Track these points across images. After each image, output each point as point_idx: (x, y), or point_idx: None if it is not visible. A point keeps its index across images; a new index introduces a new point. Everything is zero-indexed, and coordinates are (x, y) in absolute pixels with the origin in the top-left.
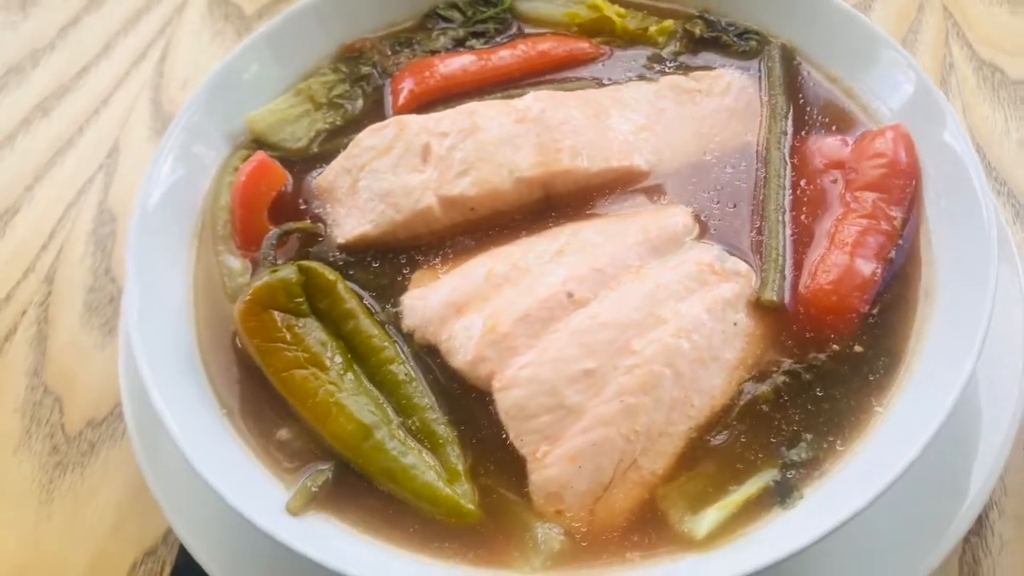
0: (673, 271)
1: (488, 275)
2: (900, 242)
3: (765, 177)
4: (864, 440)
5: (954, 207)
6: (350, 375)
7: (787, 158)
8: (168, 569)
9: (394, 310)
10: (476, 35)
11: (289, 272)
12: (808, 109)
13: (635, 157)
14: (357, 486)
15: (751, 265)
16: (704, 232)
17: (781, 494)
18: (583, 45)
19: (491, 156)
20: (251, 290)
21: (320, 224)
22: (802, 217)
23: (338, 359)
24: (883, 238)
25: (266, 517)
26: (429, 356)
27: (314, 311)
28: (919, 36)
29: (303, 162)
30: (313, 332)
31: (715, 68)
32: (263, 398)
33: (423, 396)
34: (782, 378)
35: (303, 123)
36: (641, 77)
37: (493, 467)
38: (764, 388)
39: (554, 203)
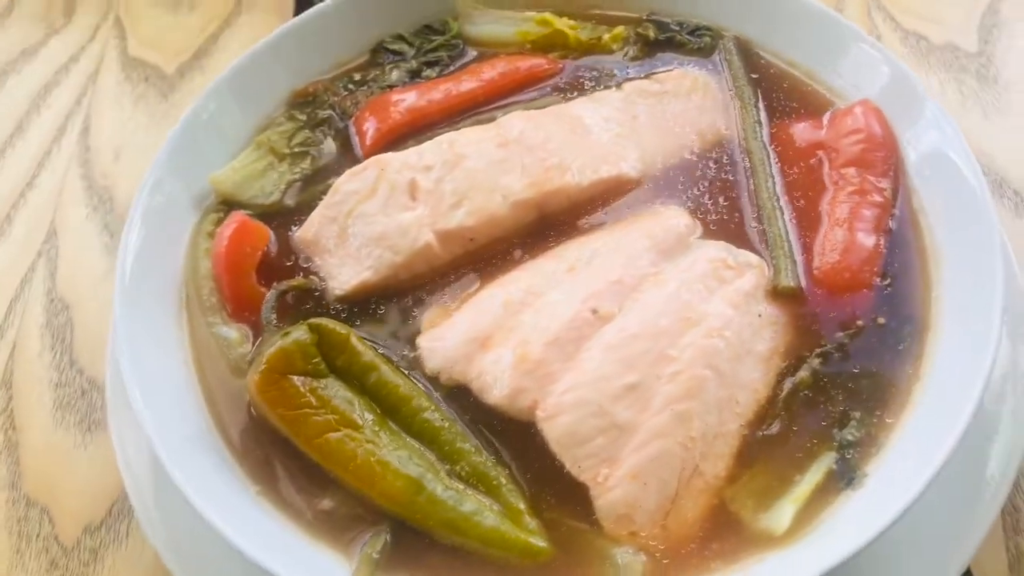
0: (688, 272)
1: (505, 304)
2: (894, 211)
3: (751, 167)
4: (911, 409)
5: (940, 173)
6: (385, 430)
7: (767, 145)
8: None
9: (412, 355)
10: (429, 64)
11: (301, 333)
12: (775, 96)
13: (622, 165)
14: (418, 544)
15: (760, 255)
16: (705, 229)
17: (845, 476)
18: (540, 62)
19: (481, 184)
20: (265, 358)
21: (313, 278)
22: (795, 201)
23: (369, 416)
24: (878, 210)
25: None
26: (461, 397)
27: (332, 370)
28: (844, 12)
29: (279, 216)
30: (337, 392)
31: (674, 68)
32: (296, 469)
33: (465, 439)
34: (817, 361)
35: (271, 177)
36: (605, 86)
37: (554, 499)
38: (803, 374)
39: (549, 222)
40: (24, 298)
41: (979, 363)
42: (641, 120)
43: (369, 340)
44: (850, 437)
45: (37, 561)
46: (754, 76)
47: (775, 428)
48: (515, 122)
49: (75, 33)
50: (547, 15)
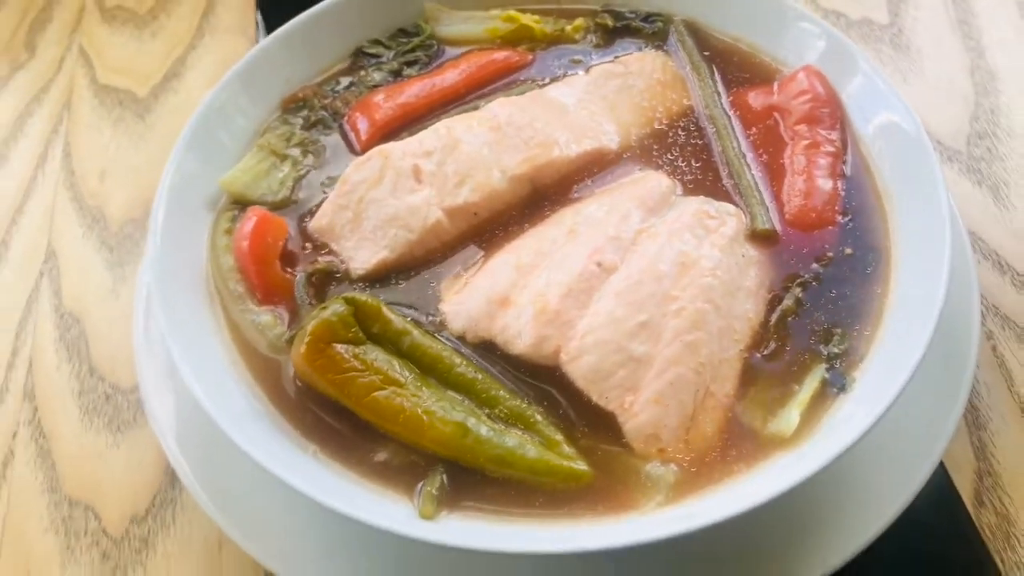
0: (676, 224)
1: (516, 267)
2: (846, 158)
3: (716, 131)
4: (884, 321)
5: (880, 119)
6: (425, 385)
7: (727, 111)
8: None
9: (438, 319)
10: (409, 64)
11: (339, 306)
12: (727, 68)
13: (602, 138)
14: (472, 480)
15: (736, 205)
16: (683, 188)
17: (837, 382)
18: (512, 54)
19: (480, 163)
20: (309, 331)
21: (334, 261)
22: (759, 157)
23: (408, 374)
24: (831, 158)
25: (409, 527)
26: (488, 351)
27: (369, 337)
28: None
29: (289, 210)
30: (377, 356)
31: (633, 51)
32: (347, 429)
33: (498, 387)
34: (798, 291)
35: (276, 176)
36: (573, 72)
37: (587, 429)
38: (787, 302)
39: (542, 194)
40: (33, 316)
41: (936, 276)
42: (611, 98)
43: (397, 309)
44: (836, 350)
45: (88, 554)
46: (706, 53)
47: (770, 350)
48: (501, 107)
49: (40, 65)
50: (511, 12)
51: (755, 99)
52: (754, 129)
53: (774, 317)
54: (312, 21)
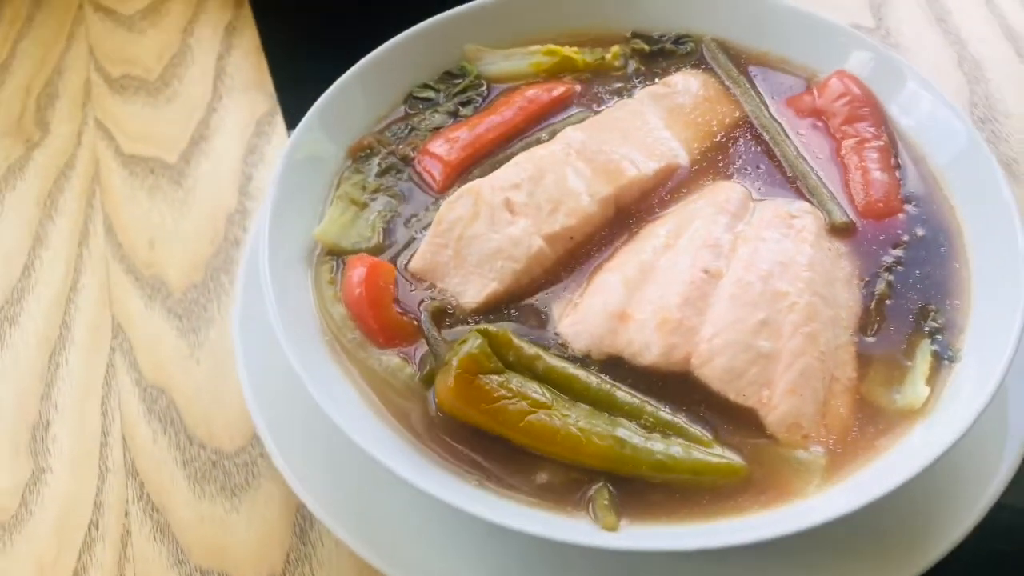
0: (765, 226)
1: (624, 283)
2: (895, 150)
3: (771, 138)
4: (971, 291)
5: (923, 114)
6: (569, 405)
7: (776, 119)
8: None
9: (559, 341)
10: (463, 104)
11: (476, 339)
12: (763, 80)
13: (670, 154)
14: (635, 488)
15: (810, 203)
16: (755, 192)
17: (946, 354)
18: (561, 85)
19: (569, 189)
20: (456, 365)
21: (446, 298)
22: (814, 158)
23: (550, 395)
24: (881, 152)
25: (602, 540)
26: (615, 366)
27: (506, 366)
28: None
29: (386, 255)
30: (520, 382)
31: (673, 72)
32: (501, 456)
33: (635, 398)
34: (887, 275)
35: (362, 223)
36: (621, 96)
37: (731, 427)
38: (880, 287)
39: (626, 213)
40: (115, 393)
41: (1009, 229)
42: (666, 117)
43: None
44: (935, 324)
45: None
46: (741, 67)
47: (876, 333)
48: (572, 136)
49: (58, 142)
50: (551, 46)
51: (797, 105)
52: (802, 132)
53: (872, 302)
54: (366, 70)
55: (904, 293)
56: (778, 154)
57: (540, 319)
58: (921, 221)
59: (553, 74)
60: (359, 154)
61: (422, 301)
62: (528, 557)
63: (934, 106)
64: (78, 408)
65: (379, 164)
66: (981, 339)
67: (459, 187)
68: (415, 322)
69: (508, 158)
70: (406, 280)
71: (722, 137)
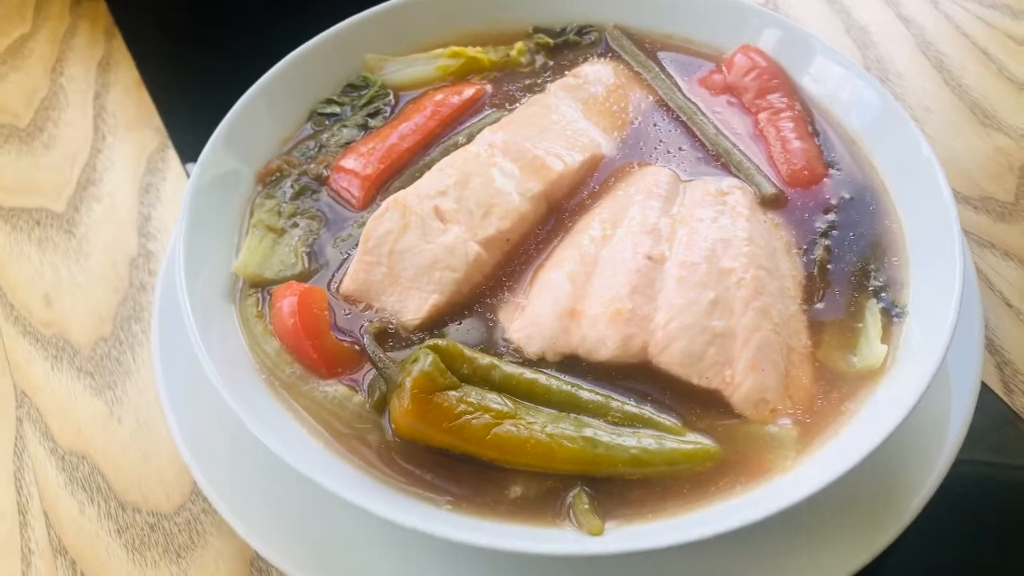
0: (696, 207)
1: (570, 279)
2: (810, 118)
3: (688, 118)
4: (906, 246)
5: (827, 77)
6: (532, 412)
7: (689, 100)
8: None
9: (511, 347)
10: (371, 116)
11: (427, 355)
12: (670, 62)
13: (592, 145)
14: (614, 488)
15: (738, 179)
16: (681, 173)
17: (893, 310)
18: (471, 87)
19: (498, 190)
20: (411, 386)
21: (384, 318)
22: (733, 133)
23: (512, 405)
24: (798, 121)
25: (592, 546)
26: (572, 365)
27: (462, 379)
28: None
29: (310, 279)
30: (480, 394)
31: (580, 63)
32: (468, 476)
33: (599, 394)
34: (823, 241)
35: (283, 250)
36: (534, 92)
37: (698, 410)
38: (819, 253)
39: (557, 208)
40: (28, 467)
41: (935, 184)
42: (582, 108)
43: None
44: (878, 283)
45: None
46: (646, 51)
47: (823, 298)
48: (492, 136)
49: None
50: (454, 48)
51: (709, 84)
52: (718, 110)
53: (814, 269)
54: (271, 85)
55: (842, 256)
56: (698, 134)
57: (488, 327)
58: (846, 184)
59: (460, 76)
60: (269, 179)
61: (362, 324)
62: (508, 572)
63: (844, 73)
64: None
65: (292, 186)
66: (925, 291)
67: (380, 201)
68: (357, 347)
69: (428, 166)
70: (340, 304)
71: (640, 122)
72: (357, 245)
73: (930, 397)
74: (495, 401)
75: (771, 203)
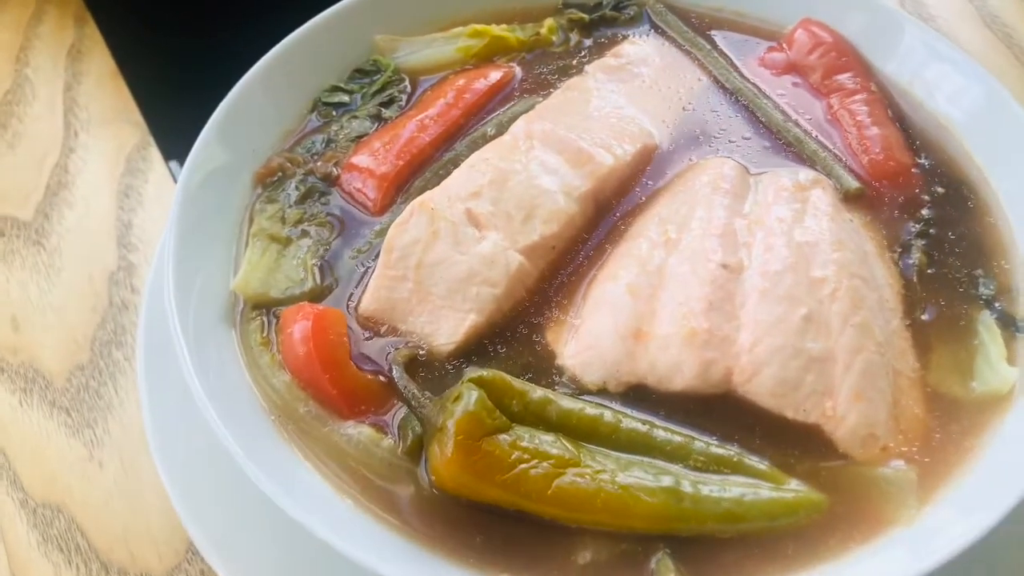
0: (773, 205)
1: (630, 292)
2: (886, 101)
3: (750, 102)
4: (1015, 246)
5: (910, 51)
6: (600, 456)
7: (749, 81)
8: None
9: (564, 376)
10: (385, 104)
11: (472, 391)
12: (722, 38)
13: (643, 134)
14: (703, 549)
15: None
16: (750, 167)
17: (1010, 324)
18: (497, 70)
19: (540, 190)
20: (455, 428)
21: (413, 344)
22: (802, 118)
23: (574, 449)
24: (875, 104)
25: None
26: (639, 396)
27: (511, 418)
28: None
29: (328, 300)
30: (534, 436)
31: (619, 41)
32: (527, 537)
33: (677, 434)
34: (920, 242)
35: (291, 264)
36: (568, 75)
37: (796, 451)
38: (917, 256)
39: (607, 208)
40: None
41: None
42: (627, 92)
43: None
44: (988, 292)
45: None
46: (693, 26)
47: (928, 310)
48: (529, 126)
49: None
50: (476, 27)
51: (769, 63)
52: (783, 93)
53: (912, 275)
54: (269, 70)
55: (943, 260)
56: (763, 119)
57: (536, 352)
58: (937, 175)
59: (484, 58)
60: (269, 180)
61: (387, 352)
62: None
63: (930, 51)
64: None
65: (296, 188)
66: None
67: (402, 204)
68: (383, 379)
69: (455, 162)
70: (360, 328)
71: (694, 108)
72: (377, 257)
73: None
74: (554, 445)
75: (852, 200)
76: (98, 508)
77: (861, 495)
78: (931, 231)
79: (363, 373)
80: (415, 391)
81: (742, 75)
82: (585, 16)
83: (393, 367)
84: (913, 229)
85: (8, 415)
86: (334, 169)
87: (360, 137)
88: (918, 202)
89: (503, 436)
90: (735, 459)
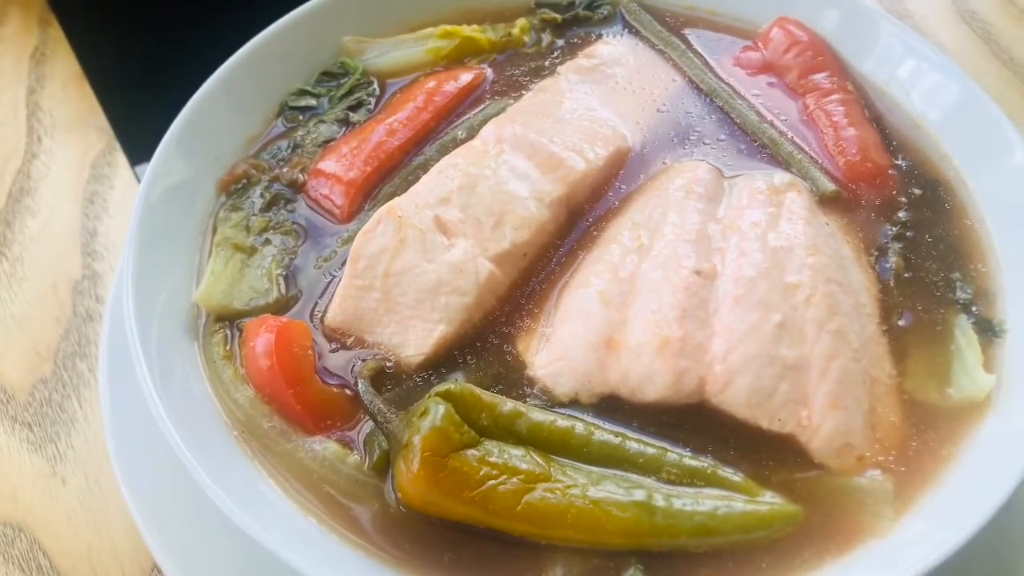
0: (747, 209)
1: (602, 300)
2: (863, 101)
3: (724, 103)
4: (993, 249)
5: (887, 51)
6: (571, 470)
7: (724, 81)
8: None
9: (535, 387)
10: (353, 108)
11: (439, 406)
12: (696, 37)
13: (618, 137)
14: (676, 564)
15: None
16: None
17: (987, 328)
18: (468, 72)
19: (510, 195)
20: (421, 444)
21: (379, 357)
22: (778, 119)
23: (545, 463)
24: (851, 104)
25: None
26: (611, 407)
27: (479, 432)
28: None
29: (293, 311)
30: (503, 451)
31: (593, 42)
32: (495, 555)
33: (650, 445)
34: (897, 245)
35: (255, 274)
36: (540, 76)
37: (771, 461)
38: (894, 259)
39: (579, 213)
40: None
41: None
42: (600, 94)
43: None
44: (965, 296)
45: None
46: (667, 26)
47: (905, 315)
48: (499, 130)
49: None
50: (447, 28)
51: (745, 63)
52: (758, 93)
53: (889, 279)
54: (231, 75)
55: (921, 263)
56: (737, 121)
57: (506, 363)
58: (913, 176)
59: (455, 59)
60: (233, 187)
61: (353, 364)
62: None
63: (907, 51)
64: None
65: (262, 196)
66: (1020, 307)
67: (369, 211)
68: (349, 393)
69: (424, 167)
70: (326, 340)
71: (668, 109)
72: (344, 266)
73: None
74: (524, 459)
75: (828, 202)
76: (61, 526)
77: (837, 506)
78: (908, 234)
79: (328, 387)
80: (381, 406)
81: (717, 75)
82: (558, 16)
83: (359, 381)
84: (890, 232)
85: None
86: (300, 175)
87: (327, 142)
88: (895, 204)
89: (471, 451)
90: (709, 471)
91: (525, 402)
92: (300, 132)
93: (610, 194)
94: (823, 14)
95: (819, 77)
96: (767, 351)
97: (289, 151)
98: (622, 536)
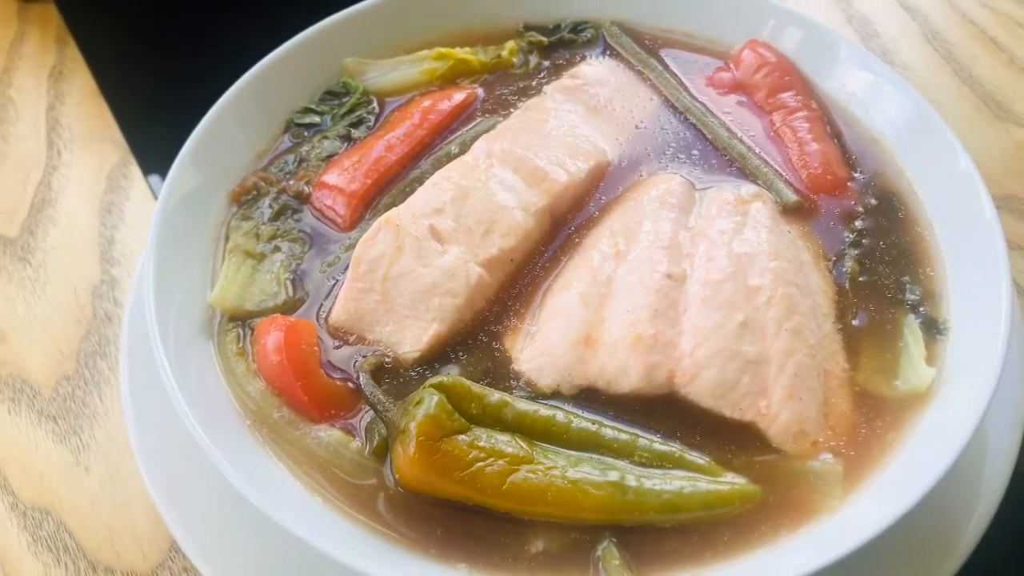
0: (716, 218)
1: (582, 302)
2: (826, 117)
3: (698, 120)
4: (940, 254)
5: (847, 73)
6: (551, 453)
7: (697, 100)
8: None
9: (521, 380)
10: (354, 125)
11: (433, 396)
12: (673, 59)
13: (596, 152)
14: (646, 538)
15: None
16: (694, 180)
17: (932, 327)
18: (460, 91)
19: (499, 206)
20: (416, 430)
21: (380, 352)
22: (747, 135)
23: (528, 447)
24: (815, 121)
25: None
26: (590, 398)
27: (469, 420)
28: None
29: (300, 311)
30: (491, 436)
31: (577, 63)
32: (483, 530)
33: (623, 432)
34: (853, 251)
35: (264, 277)
36: (528, 95)
37: (733, 446)
38: (850, 264)
39: (562, 222)
40: None
41: (974, 198)
42: (582, 112)
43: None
44: (914, 297)
45: None
46: (647, 48)
47: (858, 315)
48: (489, 146)
49: None
50: (440, 49)
51: (717, 83)
52: (729, 111)
53: (844, 282)
54: (241, 95)
55: (874, 268)
56: (709, 137)
57: (495, 358)
58: (871, 188)
59: (448, 80)
60: (244, 198)
61: (355, 360)
62: None
63: (865, 70)
64: None
65: (270, 206)
66: (968, 305)
67: (370, 220)
68: (351, 385)
69: (420, 180)
70: (330, 337)
71: (646, 126)
72: (346, 270)
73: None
74: (509, 444)
75: (791, 212)
76: (85, 510)
77: (792, 486)
78: (864, 241)
79: (332, 380)
80: (380, 396)
81: (691, 94)
82: (544, 39)
83: (360, 374)
84: (847, 239)
85: (1, 416)
86: (306, 187)
87: (330, 157)
88: (853, 213)
89: (462, 437)
90: (677, 455)
91: (511, 393)
92: (305, 147)
93: (591, 204)
94: (789, 36)
95: (786, 96)
96: (731, 347)
97: (295, 165)
98: (597, 512)
